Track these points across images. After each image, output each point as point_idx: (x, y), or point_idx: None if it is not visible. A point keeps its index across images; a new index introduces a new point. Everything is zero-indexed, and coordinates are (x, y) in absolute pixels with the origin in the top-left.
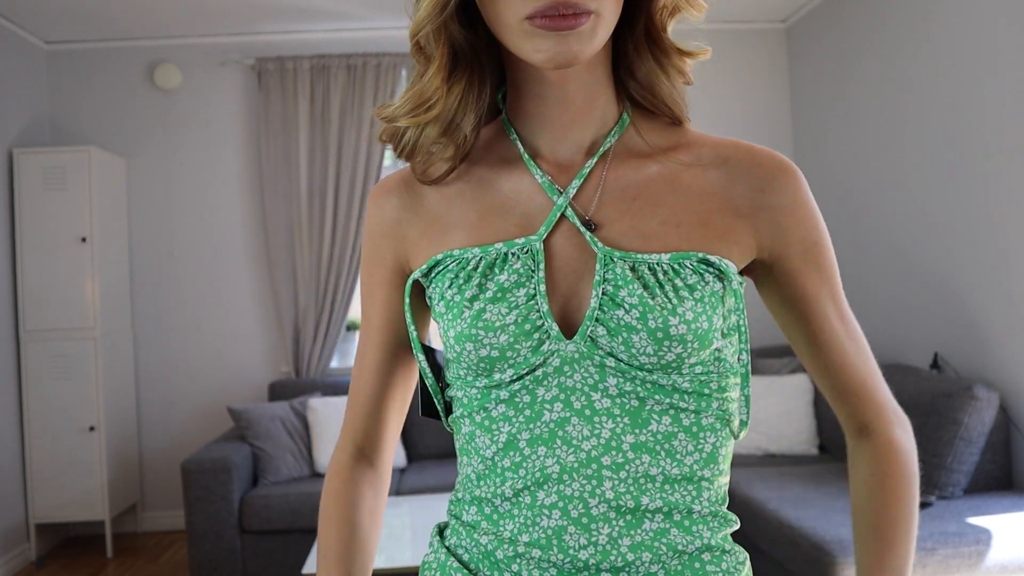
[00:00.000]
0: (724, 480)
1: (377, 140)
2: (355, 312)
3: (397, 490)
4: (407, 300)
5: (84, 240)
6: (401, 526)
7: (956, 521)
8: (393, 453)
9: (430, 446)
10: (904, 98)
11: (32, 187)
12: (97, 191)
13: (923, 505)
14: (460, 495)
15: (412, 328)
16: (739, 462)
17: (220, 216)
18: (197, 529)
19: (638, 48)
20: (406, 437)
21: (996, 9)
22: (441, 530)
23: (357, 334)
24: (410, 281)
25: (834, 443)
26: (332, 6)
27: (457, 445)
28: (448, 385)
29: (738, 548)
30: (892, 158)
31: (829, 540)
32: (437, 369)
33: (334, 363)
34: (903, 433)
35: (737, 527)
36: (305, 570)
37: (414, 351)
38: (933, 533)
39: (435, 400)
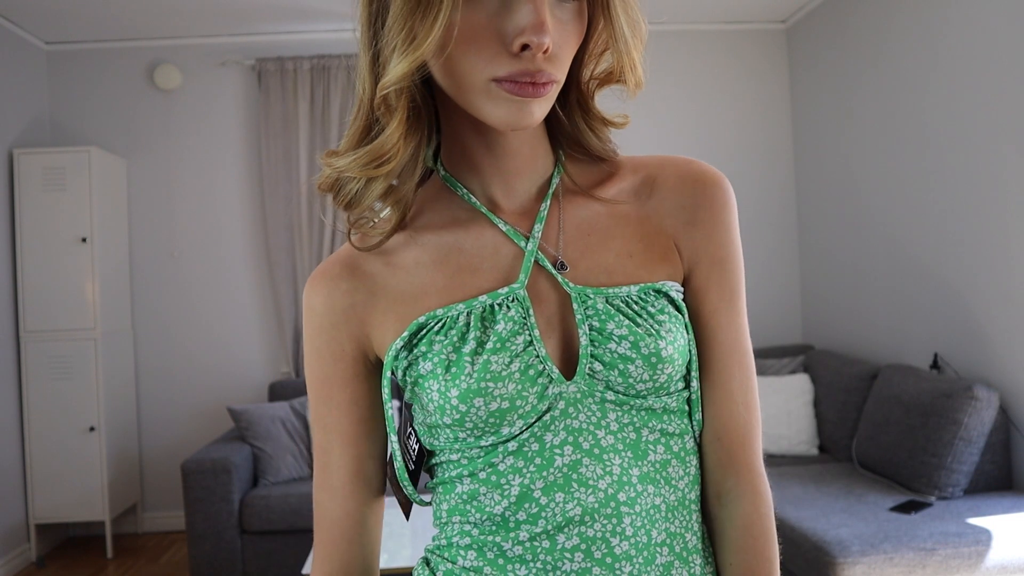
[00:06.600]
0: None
1: (316, 188)
2: None
3: None
4: (387, 378)
5: (84, 240)
6: (401, 525)
7: (956, 521)
8: None
9: None
10: (904, 98)
11: (32, 187)
12: (97, 191)
13: (923, 505)
14: (455, 540)
15: (389, 406)
16: None
17: (220, 216)
18: (197, 529)
19: (567, 110)
20: None
21: (996, 8)
22: (427, 561)
23: None
24: (392, 352)
25: (834, 443)
26: (332, 6)
27: (444, 506)
28: (431, 453)
29: None
30: (892, 158)
31: (829, 540)
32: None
33: None
34: (761, 520)
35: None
36: (305, 570)
37: (389, 431)
38: (933, 533)
39: (403, 484)
